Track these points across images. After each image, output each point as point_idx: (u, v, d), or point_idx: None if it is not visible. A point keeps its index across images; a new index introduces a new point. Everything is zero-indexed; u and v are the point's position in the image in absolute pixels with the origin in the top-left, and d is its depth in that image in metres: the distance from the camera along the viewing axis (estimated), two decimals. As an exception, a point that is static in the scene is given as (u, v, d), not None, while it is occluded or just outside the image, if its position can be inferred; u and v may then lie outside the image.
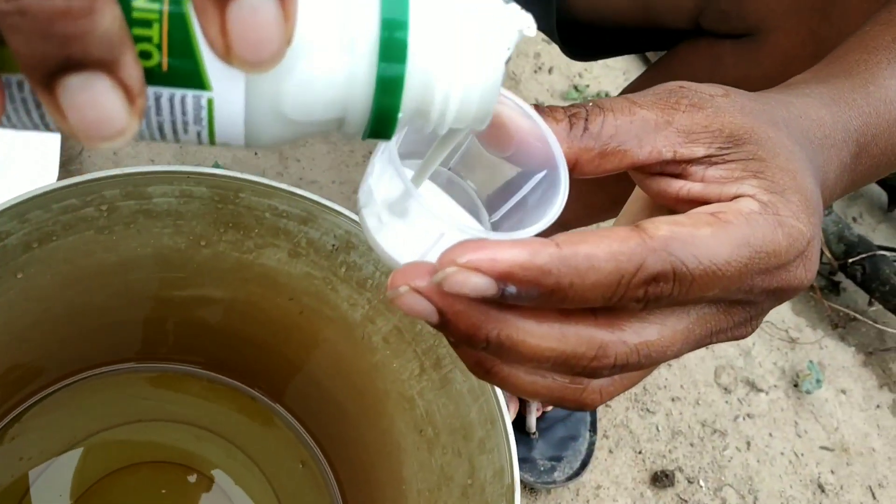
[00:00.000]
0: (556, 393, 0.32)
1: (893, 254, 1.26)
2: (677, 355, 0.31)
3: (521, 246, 0.28)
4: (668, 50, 0.80)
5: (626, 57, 1.39)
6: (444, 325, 0.29)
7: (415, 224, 0.31)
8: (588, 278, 0.27)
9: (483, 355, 0.31)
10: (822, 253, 1.28)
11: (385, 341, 0.77)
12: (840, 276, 1.31)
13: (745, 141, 0.32)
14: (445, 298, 0.29)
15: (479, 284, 0.27)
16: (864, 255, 1.24)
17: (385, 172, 0.32)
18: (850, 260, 1.25)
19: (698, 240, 0.29)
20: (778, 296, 0.31)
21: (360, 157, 1.12)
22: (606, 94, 1.31)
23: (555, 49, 1.35)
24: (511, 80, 1.28)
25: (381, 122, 0.27)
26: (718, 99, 0.33)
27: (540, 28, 0.91)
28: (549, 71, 1.31)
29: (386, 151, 0.32)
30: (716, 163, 0.32)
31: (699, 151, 0.32)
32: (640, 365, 0.30)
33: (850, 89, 0.41)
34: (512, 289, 0.27)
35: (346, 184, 1.09)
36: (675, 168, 0.33)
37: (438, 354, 0.73)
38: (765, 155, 0.32)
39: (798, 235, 0.30)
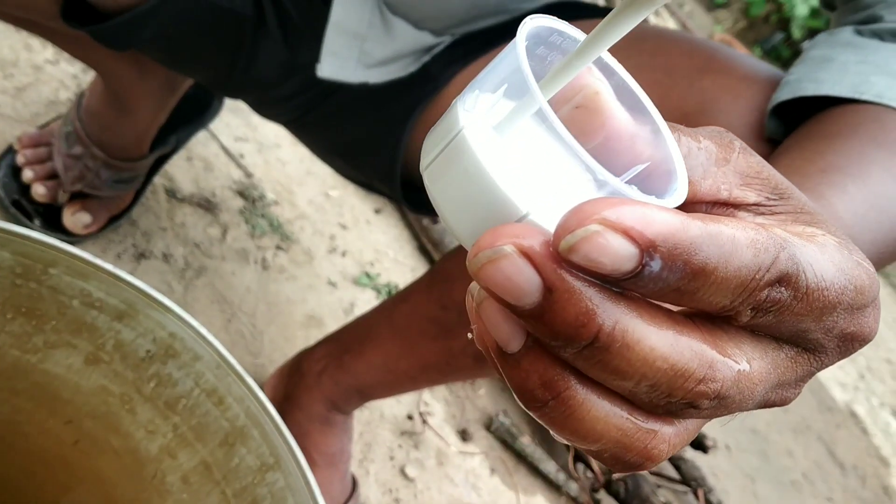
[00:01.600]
0: (625, 438, 0.26)
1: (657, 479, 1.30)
2: (753, 403, 0.27)
3: (671, 212, 0.23)
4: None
5: (413, 254, 1.41)
6: (541, 311, 0.23)
7: (540, 161, 0.26)
8: (731, 264, 0.23)
9: (560, 370, 0.25)
10: (589, 466, 1.30)
11: (184, 481, 0.64)
12: (602, 494, 1.33)
13: (789, 196, 0.30)
14: (563, 271, 0.23)
15: (623, 253, 0.22)
16: (627, 473, 1.26)
17: (504, 77, 0.26)
18: (615, 476, 1.27)
19: (810, 251, 0.26)
20: (848, 344, 0.28)
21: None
22: (396, 286, 1.31)
23: (349, 234, 1.34)
24: (307, 256, 1.24)
25: None
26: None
27: (380, 189, 0.90)
28: (343, 254, 1.29)
29: (511, 53, 0.26)
30: (763, 213, 0.30)
31: (751, 197, 0.30)
32: (733, 402, 0.26)
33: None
34: (656, 265, 0.23)
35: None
36: (721, 210, 0.30)
37: (256, 496, 0.62)
38: (811, 210, 0.30)
39: (874, 277, 0.28)
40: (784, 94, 0.58)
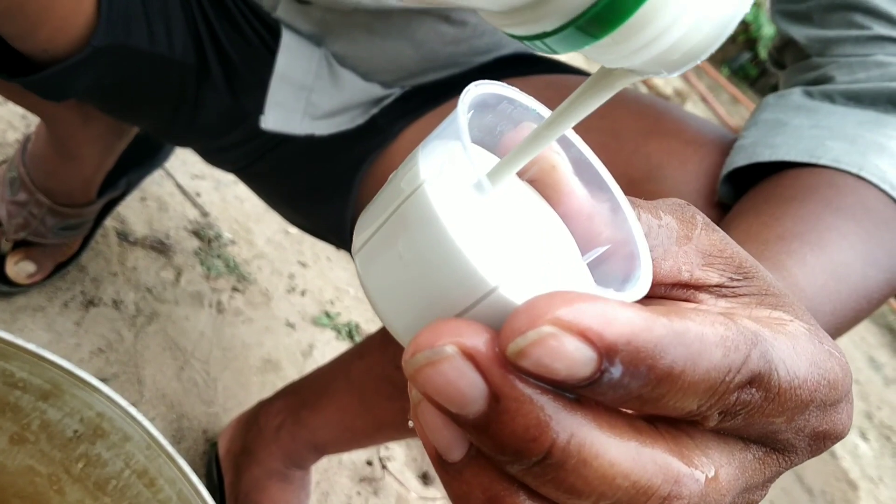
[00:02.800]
0: None
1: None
2: None
3: (634, 309, 0.21)
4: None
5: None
6: (486, 421, 0.21)
7: (479, 248, 0.23)
8: (700, 367, 0.21)
9: (507, 485, 0.22)
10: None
11: (117, 564, 0.61)
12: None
13: (753, 275, 0.28)
14: (510, 377, 0.20)
15: (579, 358, 0.20)
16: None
17: (442, 155, 0.24)
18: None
19: (781, 345, 0.24)
20: (820, 442, 0.26)
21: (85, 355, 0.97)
22: (357, 325, 1.28)
23: (309, 272, 1.31)
24: (264, 297, 1.21)
25: (614, 9, 0.20)
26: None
27: (330, 240, 0.87)
28: (302, 293, 1.27)
29: (452, 124, 0.24)
30: (726, 295, 0.28)
31: (714, 278, 0.28)
32: None
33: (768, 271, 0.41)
34: (617, 371, 0.20)
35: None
36: (681, 292, 0.28)
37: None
38: (776, 292, 0.28)
39: (847, 370, 0.26)
40: (739, 160, 0.57)
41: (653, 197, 0.60)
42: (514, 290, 0.22)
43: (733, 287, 0.28)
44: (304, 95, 0.75)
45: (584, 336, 0.20)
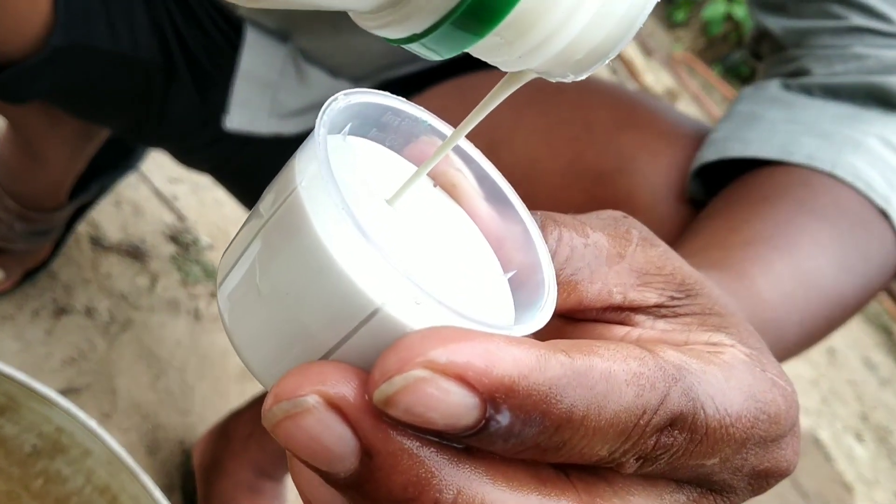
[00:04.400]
0: None
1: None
2: None
3: (523, 346, 0.18)
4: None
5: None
6: (359, 480, 0.18)
7: (357, 262, 0.20)
8: (606, 410, 0.19)
9: None
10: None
11: (79, 585, 0.58)
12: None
13: (697, 293, 0.26)
14: (384, 429, 0.18)
15: (457, 405, 0.17)
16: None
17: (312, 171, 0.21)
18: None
19: (711, 378, 0.21)
20: (760, 483, 0.24)
21: (57, 363, 0.94)
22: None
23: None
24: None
25: (483, 6, 0.18)
26: (661, 239, 0.27)
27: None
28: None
29: (310, 143, 0.21)
30: (665, 315, 0.25)
31: (651, 298, 0.25)
32: None
33: (728, 281, 0.38)
34: (504, 418, 0.18)
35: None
36: (615, 315, 0.25)
37: None
38: (721, 311, 0.25)
39: (791, 400, 0.24)
40: (709, 155, 0.54)
41: (624, 191, 0.58)
42: (401, 312, 0.19)
43: (673, 307, 0.25)
44: (269, 94, 0.72)
45: (463, 380, 0.17)
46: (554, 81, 0.22)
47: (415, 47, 0.20)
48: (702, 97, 4.00)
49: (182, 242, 1.19)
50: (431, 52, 0.21)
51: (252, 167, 0.77)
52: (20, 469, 0.56)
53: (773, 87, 0.57)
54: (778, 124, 0.53)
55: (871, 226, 0.49)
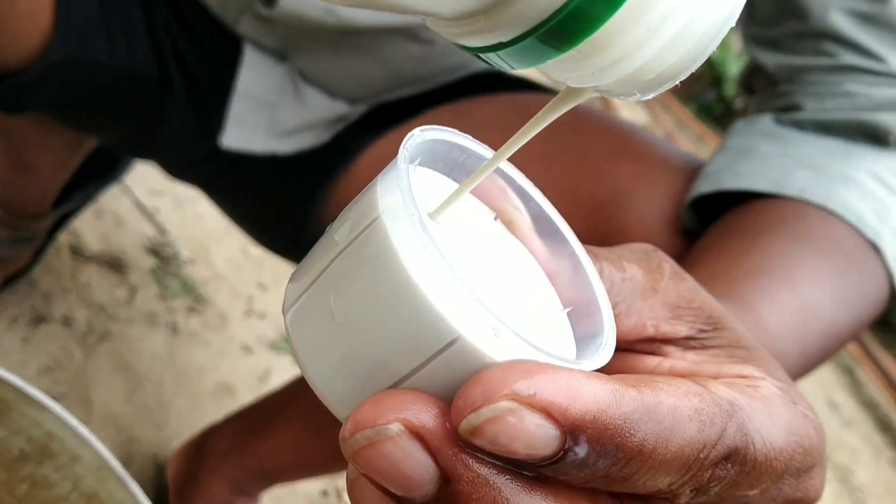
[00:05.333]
0: None
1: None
2: None
3: (599, 381, 0.19)
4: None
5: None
6: (437, 502, 0.19)
7: (439, 290, 0.20)
8: (672, 444, 0.20)
9: None
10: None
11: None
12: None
13: (724, 326, 0.27)
14: (464, 457, 0.19)
15: (541, 437, 0.18)
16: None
17: (391, 197, 0.21)
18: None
19: (758, 414, 0.22)
20: None
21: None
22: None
23: (269, 295, 1.29)
24: (221, 319, 1.18)
25: (578, 19, 0.18)
26: (688, 273, 0.29)
27: (290, 259, 0.85)
28: (261, 317, 1.24)
29: (392, 171, 0.22)
30: (694, 347, 0.26)
31: (682, 331, 0.26)
32: None
33: (735, 311, 0.39)
34: (582, 450, 0.18)
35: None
36: (646, 346, 0.27)
37: None
38: (747, 344, 0.27)
39: (821, 433, 0.25)
40: (704, 187, 0.56)
41: (619, 221, 0.59)
42: (480, 341, 0.20)
43: (702, 339, 0.26)
44: (266, 112, 0.73)
45: (547, 412, 0.18)
46: (616, 101, 0.22)
47: (490, 57, 0.21)
48: (674, 134, 4.06)
49: (162, 256, 1.19)
50: (503, 65, 0.21)
51: (245, 184, 0.78)
52: (6, 473, 0.56)
53: (766, 121, 0.59)
54: (771, 158, 0.55)
55: (864, 259, 0.51)
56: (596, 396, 0.19)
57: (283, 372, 1.19)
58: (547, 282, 0.26)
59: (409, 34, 0.68)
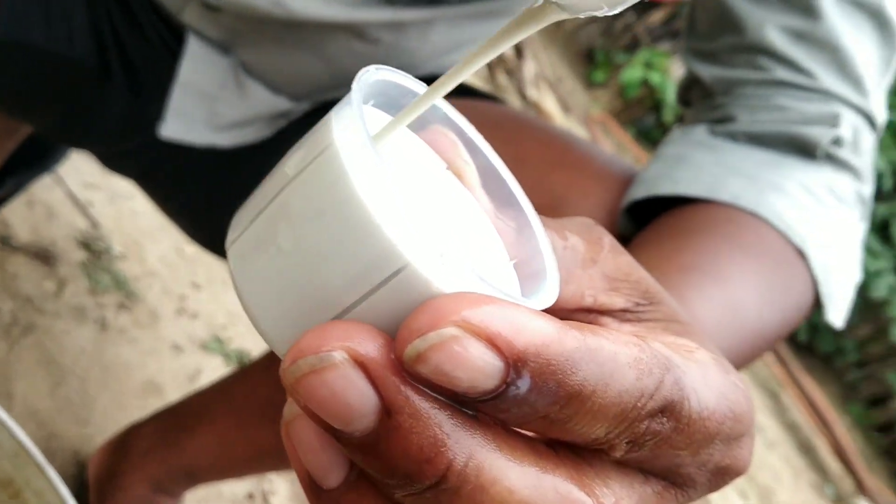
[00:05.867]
0: None
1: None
2: None
3: (544, 318, 0.19)
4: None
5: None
6: (375, 439, 0.19)
7: (390, 217, 0.20)
8: (612, 389, 0.20)
9: None
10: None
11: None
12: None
13: (659, 301, 0.27)
14: (407, 388, 0.18)
15: (484, 367, 0.18)
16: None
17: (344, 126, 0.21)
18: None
19: (693, 373, 0.22)
20: (720, 478, 0.25)
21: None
22: (248, 353, 1.24)
23: (202, 295, 1.27)
24: (152, 317, 1.16)
25: None
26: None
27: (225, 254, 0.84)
28: (193, 316, 1.22)
29: (346, 102, 0.21)
30: (630, 320, 0.27)
31: (619, 303, 0.27)
32: None
33: None
34: (524, 384, 0.18)
35: None
36: (583, 316, 0.27)
37: None
38: (682, 319, 0.27)
39: (750, 403, 0.25)
40: (639, 192, 0.57)
41: None
42: (428, 270, 0.20)
43: (638, 312, 0.27)
44: (207, 105, 0.72)
45: (492, 342, 0.18)
46: (583, 17, 0.22)
47: None
48: (614, 156, 4.12)
49: (94, 250, 1.17)
50: None
51: (182, 176, 0.77)
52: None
53: (700, 131, 0.61)
54: (705, 166, 0.57)
55: (791, 265, 0.53)
56: (541, 331, 0.19)
57: (213, 372, 1.17)
58: (495, 233, 0.26)
59: (356, 32, 0.68)
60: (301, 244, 0.21)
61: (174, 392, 1.10)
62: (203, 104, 0.71)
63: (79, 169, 1.24)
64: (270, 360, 0.77)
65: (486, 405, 0.19)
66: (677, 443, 0.22)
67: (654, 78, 4.52)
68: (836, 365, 3.07)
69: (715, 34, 0.63)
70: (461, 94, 0.75)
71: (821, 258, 0.53)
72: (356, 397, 0.19)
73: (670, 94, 3.85)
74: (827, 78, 0.58)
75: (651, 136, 4.71)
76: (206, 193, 0.77)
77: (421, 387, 0.19)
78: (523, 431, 0.21)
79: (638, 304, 0.27)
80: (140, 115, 0.74)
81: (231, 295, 1.32)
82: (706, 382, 0.23)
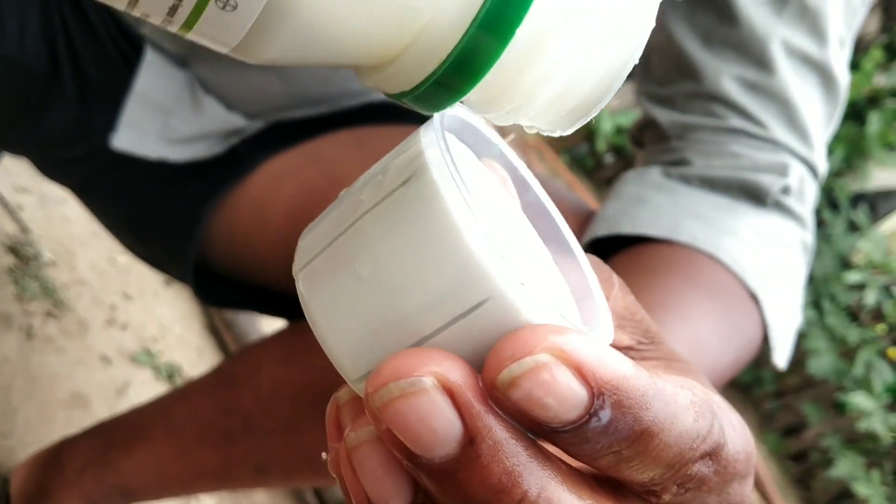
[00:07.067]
0: None
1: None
2: None
3: (619, 354, 0.20)
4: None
5: (202, 333, 1.32)
6: (455, 467, 0.19)
7: (484, 244, 0.20)
8: (674, 429, 0.20)
9: None
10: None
11: None
12: None
13: (660, 341, 0.28)
14: (492, 418, 0.19)
15: (571, 396, 0.18)
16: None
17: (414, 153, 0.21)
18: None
19: (727, 415, 0.23)
20: None
21: None
22: (179, 367, 1.22)
23: (133, 306, 1.24)
24: (80, 327, 1.13)
25: (466, 66, 0.19)
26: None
27: (170, 271, 0.83)
28: (123, 327, 1.19)
29: (428, 130, 0.21)
30: (634, 358, 0.27)
31: (624, 340, 0.27)
32: None
33: None
34: (605, 416, 0.19)
35: None
36: None
37: None
38: (680, 359, 0.28)
39: (753, 443, 0.26)
40: (601, 230, 0.59)
41: None
42: (515, 301, 0.20)
43: (641, 350, 0.28)
44: (161, 118, 0.71)
45: (580, 371, 0.19)
46: (545, 134, 0.23)
47: (408, 101, 0.22)
48: (548, 182, 4.17)
49: (22, 255, 1.13)
50: (422, 107, 0.22)
51: (130, 189, 0.75)
52: None
53: (655, 173, 0.62)
54: (663, 207, 0.58)
55: (744, 306, 0.55)
56: (621, 365, 0.19)
57: (142, 386, 1.14)
58: (555, 267, 0.26)
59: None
60: (382, 271, 0.21)
61: (101, 405, 1.07)
62: (157, 117, 0.70)
63: (10, 171, 1.20)
64: (214, 382, 0.75)
65: (566, 436, 0.19)
66: (713, 485, 0.22)
67: (589, 107, 4.56)
68: (754, 395, 3.16)
69: (671, 80, 0.65)
70: (420, 121, 0.75)
71: (772, 303, 0.55)
72: (442, 424, 0.19)
73: (605, 125, 3.93)
74: (777, 129, 0.61)
75: (583, 163, 4.79)
76: (152, 206, 0.76)
77: (503, 416, 0.19)
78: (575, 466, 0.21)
79: (640, 343, 0.28)
80: (88, 124, 0.72)
81: (163, 308, 1.29)
82: (732, 424, 0.23)
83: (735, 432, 0.23)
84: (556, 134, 0.23)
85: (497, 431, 0.19)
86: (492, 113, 0.22)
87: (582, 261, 0.27)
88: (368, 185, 0.22)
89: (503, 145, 0.27)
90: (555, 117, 0.22)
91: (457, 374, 0.19)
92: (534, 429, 0.19)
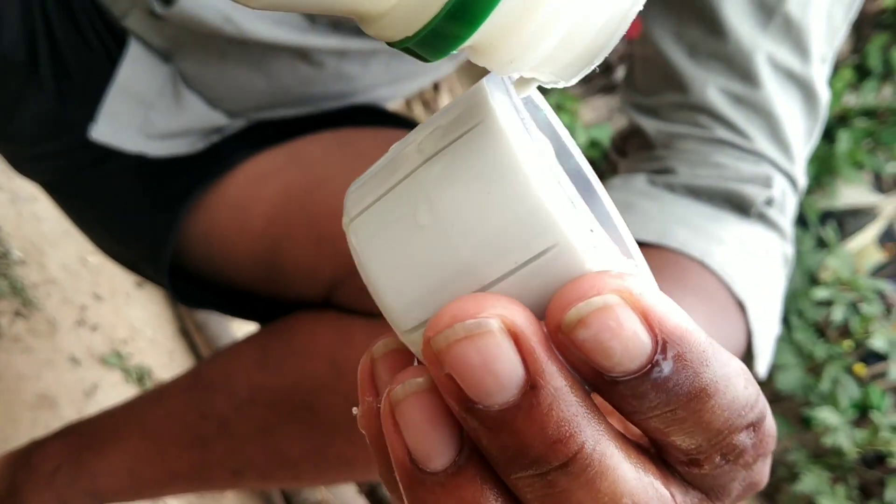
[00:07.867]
0: None
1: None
2: None
3: (682, 310, 0.19)
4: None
5: (174, 336, 1.31)
6: (513, 416, 0.18)
7: (550, 192, 0.19)
8: (728, 392, 0.20)
9: (498, 499, 0.19)
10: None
11: None
12: None
13: None
14: (555, 364, 0.18)
15: (636, 342, 0.18)
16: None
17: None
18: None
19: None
20: (747, 493, 0.25)
21: None
22: (149, 370, 1.20)
23: (104, 307, 1.22)
24: (49, 327, 1.11)
25: (465, 9, 0.18)
26: None
27: (144, 271, 0.82)
28: (93, 328, 1.17)
29: (492, 83, 0.21)
30: None
31: None
32: None
33: None
34: (667, 368, 0.18)
35: None
36: None
37: None
38: None
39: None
40: None
41: None
42: (580, 249, 0.19)
43: None
44: (142, 111, 0.70)
45: (646, 318, 0.18)
46: (548, 87, 0.22)
47: (412, 47, 0.21)
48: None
49: (-9, 253, 1.11)
50: (425, 53, 0.21)
51: (101, 186, 0.74)
52: None
53: (640, 181, 0.62)
54: (651, 213, 0.59)
55: (730, 313, 0.55)
56: (684, 318, 0.19)
57: (111, 388, 1.13)
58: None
59: (301, 54, 0.67)
60: (444, 218, 0.20)
61: (69, 406, 1.05)
62: (138, 110, 0.69)
63: (-20, 167, 1.18)
64: (190, 384, 0.74)
65: (622, 388, 0.19)
66: (749, 459, 0.22)
67: (564, 119, 4.61)
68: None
69: (658, 90, 0.65)
70: (401, 125, 0.75)
71: (757, 312, 0.56)
72: (505, 368, 0.18)
73: (579, 137, 3.96)
74: (762, 141, 0.61)
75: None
76: (127, 203, 0.75)
77: (566, 364, 0.18)
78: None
79: None
80: (65, 118, 0.71)
81: (134, 309, 1.27)
82: (762, 398, 0.23)
83: (765, 406, 0.23)
84: (560, 85, 0.22)
85: (558, 378, 0.18)
86: (493, 62, 0.21)
87: (624, 233, 0.26)
88: (429, 135, 0.22)
89: (549, 111, 0.26)
90: (558, 66, 0.21)
91: (522, 318, 0.18)
92: (593, 379, 0.19)
